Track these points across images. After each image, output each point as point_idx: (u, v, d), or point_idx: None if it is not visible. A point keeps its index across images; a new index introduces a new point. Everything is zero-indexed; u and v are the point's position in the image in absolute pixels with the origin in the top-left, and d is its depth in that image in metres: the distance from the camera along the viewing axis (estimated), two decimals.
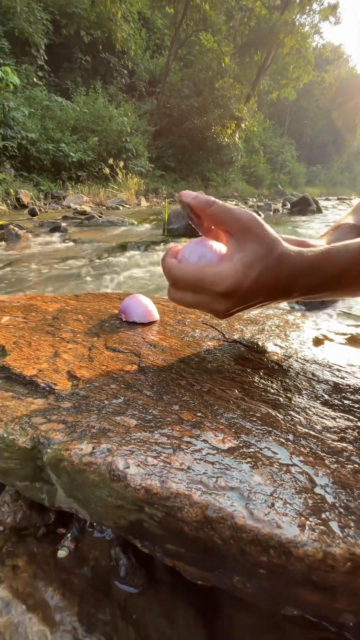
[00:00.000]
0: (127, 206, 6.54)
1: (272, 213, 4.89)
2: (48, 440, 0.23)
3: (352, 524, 0.19)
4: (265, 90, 16.64)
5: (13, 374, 0.32)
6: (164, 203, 7.92)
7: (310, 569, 0.17)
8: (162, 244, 2.41)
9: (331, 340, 0.57)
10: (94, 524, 0.33)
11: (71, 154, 7.76)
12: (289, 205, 5.45)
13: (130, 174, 8.26)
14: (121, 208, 6.08)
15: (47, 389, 0.30)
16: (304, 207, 4.70)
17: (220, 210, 0.31)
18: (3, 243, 2.64)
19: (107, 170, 7.88)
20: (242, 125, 12.88)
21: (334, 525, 0.19)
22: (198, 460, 0.22)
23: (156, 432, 0.25)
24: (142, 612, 0.31)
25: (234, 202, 8.23)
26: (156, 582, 0.33)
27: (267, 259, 0.31)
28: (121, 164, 8.14)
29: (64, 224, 3.44)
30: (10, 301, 0.58)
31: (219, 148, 12.44)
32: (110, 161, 8.11)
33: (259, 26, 12.39)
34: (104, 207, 6.11)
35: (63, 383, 0.31)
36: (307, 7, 14.23)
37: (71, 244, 2.59)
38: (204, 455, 0.23)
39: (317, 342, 0.53)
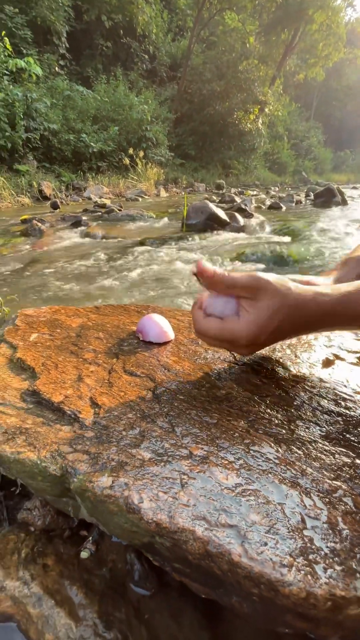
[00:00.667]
0: (147, 197, 6.53)
1: (294, 204, 4.75)
2: (74, 470, 0.27)
3: (336, 566, 0.22)
4: (291, 70, 15.86)
5: (43, 399, 0.36)
6: (183, 194, 7.85)
7: (295, 604, 0.20)
8: (180, 240, 2.42)
9: (343, 359, 0.59)
10: None
11: (92, 144, 7.79)
12: (312, 196, 5.26)
13: (149, 164, 8.20)
14: (140, 199, 6.09)
15: (73, 416, 0.34)
16: (328, 198, 4.52)
17: (230, 281, 0.35)
18: (25, 238, 2.73)
19: (127, 161, 7.87)
20: (266, 109, 12.40)
21: (319, 567, 0.21)
22: (203, 497, 0.25)
23: (167, 466, 0.28)
24: (153, 613, 0.35)
25: (254, 192, 8.03)
26: (166, 586, 0.37)
27: (280, 312, 0.34)
28: (141, 153, 8.10)
29: (84, 218, 3.51)
30: (37, 315, 0.62)
31: (241, 134, 12.07)
32: (130, 151, 8.08)
33: (287, 2, 11.72)
34: (123, 199, 6.13)
35: (86, 411, 0.34)
36: None
37: (91, 240, 2.64)
38: (209, 492, 0.26)
39: (328, 363, 0.54)
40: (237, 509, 0.25)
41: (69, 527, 0.42)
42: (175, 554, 0.24)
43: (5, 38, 6.33)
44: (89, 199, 5.79)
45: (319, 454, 0.32)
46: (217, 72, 11.27)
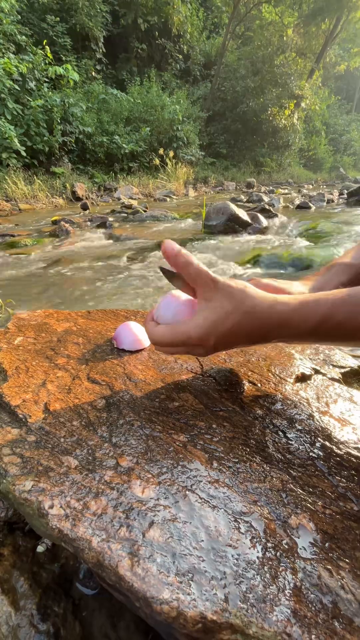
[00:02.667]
0: (175, 197, 6.58)
1: (324, 204, 4.54)
2: (5, 472, 0.30)
3: (217, 591, 0.22)
4: (332, 62, 15.11)
5: (2, 401, 0.40)
6: (212, 193, 7.80)
7: (167, 622, 0.21)
8: (198, 242, 2.42)
9: (324, 374, 0.57)
10: None
11: (124, 145, 7.98)
12: (345, 194, 5.00)
13: (180, 163, 8.24)
14: (168, 199, 6.14)
15: (23, 420, 0.36)
16: None
17: (194, 271, 0.34)
18: (53, 238, 2.88)
19: (157, 161, 7.97)
20: (302, 104, 11.93)
21: (198, 589, 0.22)
22: (111, 508, 0.27)
23: (90, 474, 0.30)
24: (92, 611, 0.37)
25: (285, 190, 7.77)
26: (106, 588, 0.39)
27: (232, 316, 0.33)
28: (171, 153, 8.16)
29: (110, 219, 3.61)
30: (29, 319, 0.66)
31: (275, 131, 11.73)
32: (161, 151, 8.18)
33: None
34: (152, 199, 6.22)
35: (37, 416, 0.37)
36: None
37: (114, 241, 2.72)
38: (119, 504, 0.27)
39: (302, 379, 0.52)
40: (140, 523, 0.26)
41: None
42: (80, 560, 0.25)
43: (47, 47, 6.66)
44: (119, 199, 5.95)
45: (249, 475, 0.32)
46: (252, 67, 11.03)
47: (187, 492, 0.29)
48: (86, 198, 5.78)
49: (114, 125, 8.16)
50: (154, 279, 1.72)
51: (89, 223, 3.50)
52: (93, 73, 9.54)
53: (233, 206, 2.75)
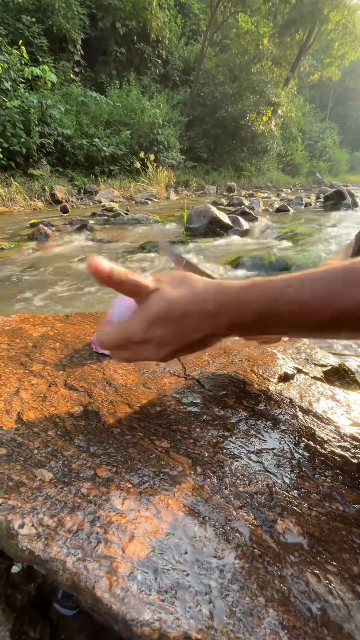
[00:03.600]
0: (156, 200, 6.57)
1: (302, 207, 4.66)
2: None
3: (202, 607, 0.21)
4: (306, 71, 15.65)
5: None
6: (193, 196, 7.85)
7: None
8: (180, 245, 2.41)
9: (306, 373, 0.57)
10: None
11: (104, 148, 7.91)
12: (322, 198, 5.16)
13: (160, 167, 8.26)
14: (150, 202, 6.13)
15: None
16: (338, 201, 4.42)
17: (131, 286, 0.31)
18: (31, 242, 2.79)
19: (138, 164, 7.95)
20: (279, 111, 12.28)
21: (182, 606, 0.20)
22: (88, 523, 0.25)
23: (65, 488, 0.28)
24: (71, 633, 0.35)
25: (265, 194, 7.94)
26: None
27: (175, 301, 0.30)
28: (152, 157, 8.16)
29: (91, 222, 3.56)
30: (3, 324, 0.63)
31: (253, 136, 12.00)
32: (142, 154, 8.16)
33: (302, 2, 11.59)
34: (133, 202, 6.19)
35: (8, 426, 0.35)
36: None
37: (94, 244, 2.68)
38: (96, 518, 0.25)
39: (285, 379, 0.52)
40: (120, 537, 0.24)
41: None
42: (54, 581, 0.23)
43: (22, 47, 6.52)
44: (100, 202, 5.88)
45: (235, 480, 0.31)
46: (230, 74, 11.26)
47: (169, 502, 0.27)
48: (66, 201, 5.68)
49: (94, 128, 8.08)
50: None
51: (68, 226, 3.43)
52: (71, 75, 9.43)
53: (214, 209, 2.77)
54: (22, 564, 0.38)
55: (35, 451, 0.31)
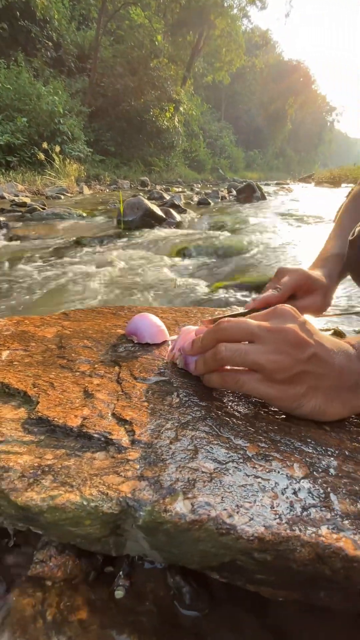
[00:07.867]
0: (69, 195, 6.13)
1: (219, 200, 4.99)
2: (138, 502, 0.23)
3: None
4: (200, 73, 16.56)
5: (55, 426, 0.30)
6: (107, 191, 7.58)
7: None
8: (119, 238, 2.32)
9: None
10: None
11: None
12: (234, 192, 5.61)
13: (68, 160, 7.70)
14: (62, 197, 5.68)
15: (103, 439, 0.28)
16: (249, 194, 4.87)
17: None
18: None
19: (41, 156, 7.25)
20: (181, 108, 12.74)
21: None
22: (287, 498, 0.24)
23: (237, 473, 0.25)
24: (214, 632, 0.32)
25: (179, 189, 8.19)
26: (215, 600, 0.35)
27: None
28: (57, 148, 7.54)
29: (2, 219, 3.12)
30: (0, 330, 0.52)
31: (159, 132, 12.18)
32: (44, 145, 7.47)
33: (190, 4, 12.14)
34: (43, 197, 5.65)
35: (116, 430, 0.29)
36: None
37: (19, 242, 2.37)
38: (287, 489, 0.24)
39: None
40: (322, 500, 0.23)
41: (93, 569, 0.36)
42: (272, 566, 0.22)
43: None
44: (3, 198, 5.18)
45: None
46: (129, 67, 11.13)
47: (329, 456, 0.28)
48: None
49: None
50: (88, 283, 1.57)
51: None
52: None
53: (147, 202, 2.74)
54: (125, 588, 0.34)
55: (172, 447, 0.28)
